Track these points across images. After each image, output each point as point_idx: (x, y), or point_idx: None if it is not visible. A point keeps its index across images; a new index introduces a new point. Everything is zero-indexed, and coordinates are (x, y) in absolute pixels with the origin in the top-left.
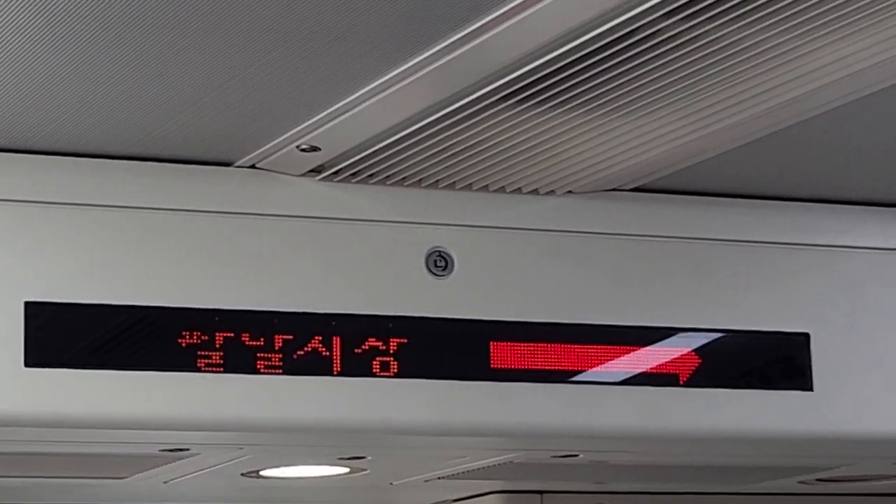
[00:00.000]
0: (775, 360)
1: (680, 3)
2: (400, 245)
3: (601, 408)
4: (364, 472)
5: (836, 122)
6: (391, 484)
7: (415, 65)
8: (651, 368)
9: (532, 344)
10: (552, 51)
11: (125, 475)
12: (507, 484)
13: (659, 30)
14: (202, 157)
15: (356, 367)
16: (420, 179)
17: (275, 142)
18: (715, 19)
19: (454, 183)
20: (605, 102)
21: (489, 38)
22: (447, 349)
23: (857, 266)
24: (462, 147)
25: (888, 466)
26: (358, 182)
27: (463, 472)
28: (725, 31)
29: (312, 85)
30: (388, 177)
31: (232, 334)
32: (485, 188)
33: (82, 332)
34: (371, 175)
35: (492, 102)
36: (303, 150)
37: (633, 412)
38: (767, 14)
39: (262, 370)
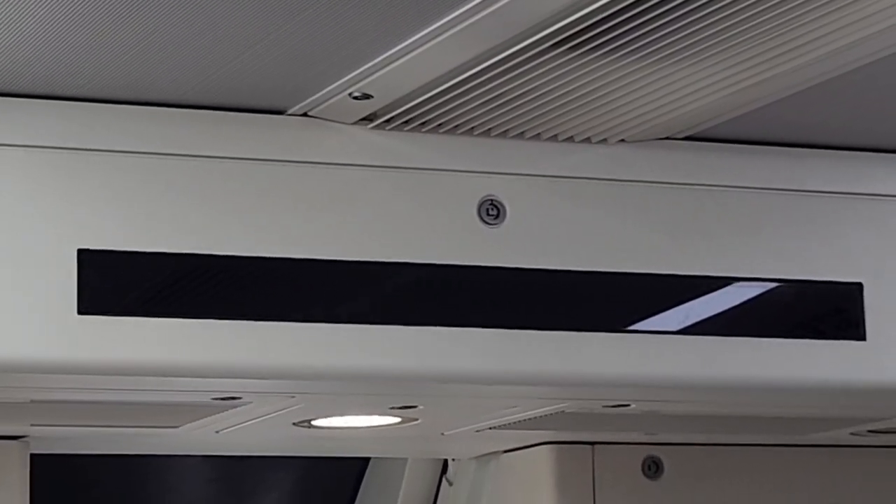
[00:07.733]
0: (828, 310)
1: None
2: (452, 193)
3: (653, 357)
4: (416, 423)
5: (894, 68)
6: (442, 434)
7: (468, 10)
8: (703, 318)
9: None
10: None
11: (177, 424)
12: (558, 434)
13: None
14: (254, 106)
15: (407, 315)
16: (472, 128)
17: (327, 89)
18: None
19: (506, 131)
20: (658, 49)
21: None
22: (499, 298)
23: None
24: (515, 95)
25: None
26: (410, 130)
27: (514, 423)
28: None
29: (365, 32)
30: (440, 125)
31: (283, 282)
32: (537, 136)
33: (135, 280)
34: (423, 123)
35: (544, 49)
36: (355, 97)
37: (684, 361)
38: None
39: (312, 318)
